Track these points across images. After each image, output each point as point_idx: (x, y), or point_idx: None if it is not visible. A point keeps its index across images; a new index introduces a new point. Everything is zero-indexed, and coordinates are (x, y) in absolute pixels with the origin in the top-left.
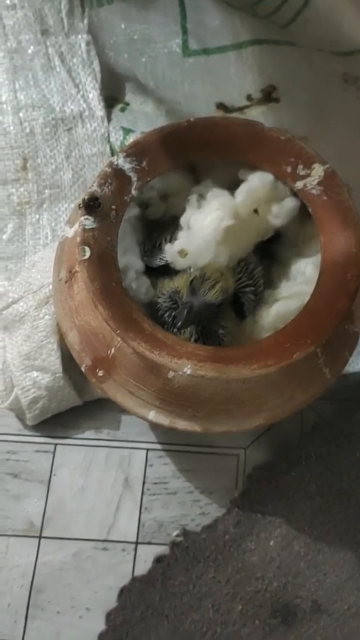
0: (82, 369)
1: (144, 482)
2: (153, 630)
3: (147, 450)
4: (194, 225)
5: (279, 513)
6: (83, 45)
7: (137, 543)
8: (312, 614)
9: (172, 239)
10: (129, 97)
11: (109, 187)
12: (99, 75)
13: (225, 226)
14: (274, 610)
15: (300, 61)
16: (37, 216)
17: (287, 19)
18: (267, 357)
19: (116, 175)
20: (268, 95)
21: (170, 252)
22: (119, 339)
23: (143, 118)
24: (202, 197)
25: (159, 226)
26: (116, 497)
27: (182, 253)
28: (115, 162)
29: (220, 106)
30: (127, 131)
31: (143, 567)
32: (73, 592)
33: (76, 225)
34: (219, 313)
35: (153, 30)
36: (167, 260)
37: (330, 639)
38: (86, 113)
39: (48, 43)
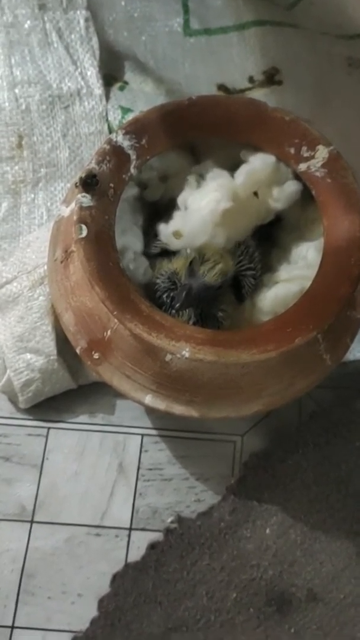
0: (77, 351)
1: (138, 468)
2: (146, 617)
3: (142, 435)
4: (191, 205)
5: (275, 501)
6: (82, 21)
7: (130, 529)
8: (307, 602)
9: (168, 219)
10: (128, 76)
11: (108, 165)
12: (97, 53)
13: (222, 209)
14: (269, 598)
15: (304, 44)
16: (32, 195)
17: (291, 1)
18: (267, 341)
19: (115, 153)
20: (271, 78)
21: (165, 232)
22: (116, 320)
23: (142, 97)
24: (201, 177)
25: (158, 209)
26: (110, 483)
27: (177, 234)
28: (114, 139)
29: (222, 87)
30: (125, 110)
31: (136, 553)
32: (65, 578)
33: (72, 204)
34: (218, 296)
35: (154, 8)
36: (163, 246)
37: (325, 628)
38: (84, 91)
39: (45, 18)
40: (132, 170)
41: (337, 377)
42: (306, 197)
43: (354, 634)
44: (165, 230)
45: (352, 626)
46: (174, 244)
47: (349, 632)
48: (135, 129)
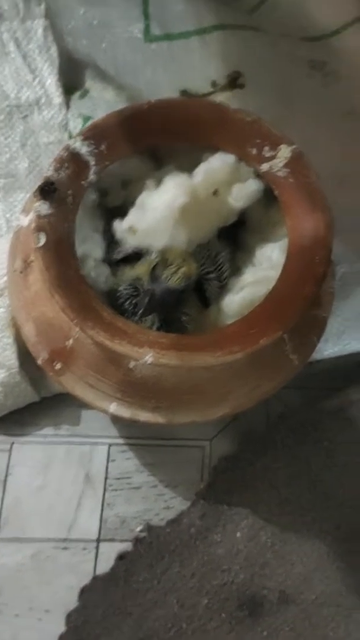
0: (39, 362)
1: (105, 478)
2: (116, 629)
3: (109, 445)
4: (149, 204)
5: (245, 504)
6: (40, 30)
7: (98, 541)
8: (279, 605)
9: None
10: (88, 83)
11: (66, 172)
12: (56, 61)
13: (179, 204)
14: (241, 602)
15: (266, 47)
16: None
17: (252, 5)
18: (232, 343)
19: (73, 160)
20: (233, 82)
21: (120, 229)
22: (77, 329)
23: (103, 105)
24: (160, 182)
25: (120, 215)
26: (77, 495)
27: (132, 230)
28: (72, 146)
29: (184, 93)
30: (86, 118)
31: (105, 565)
32: (31, 594)
33: (32, 214)
34: (182, 300)
35: (113, 14)
36: (125, 251)
37: (298, 629)
38: (43, 100)
39: (2, 28)
40: (92, 177)
41: (304, 377)
42: (270, 198)
43: (326, 633)
44: (119, 226)
45: (325, 626)
46: (130, 240)
47: (321, 633)
48: (94, 134)
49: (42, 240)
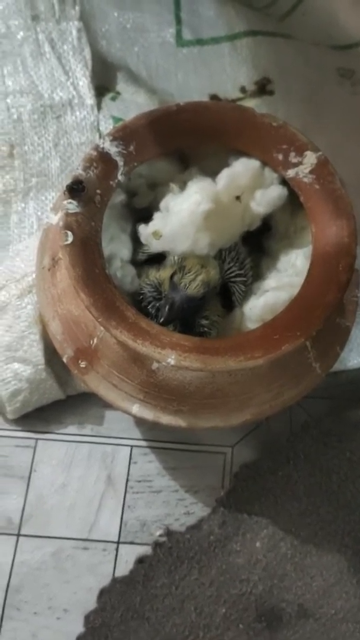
0: (64, 360)
1: (127, 480)
2: (133, 633)
3: (132, 447)
4: (172, 208)
5: (265, 513)
6: (74, 32)
7: (118, 543)
8: (297, 618)
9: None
10: (120, 86)
11: (94, 171)
12: (89, 63)
13: (203, 210)
14: (259, 614)
15: (295, 54)
16: (23, 205)
17: (283, 12)
18: (254, 348)
19: (102, 159)
20: (262, 88)
21: (144, 233)
22: (102, 328)
23: (134, 108)
24: (185, 184)
25: (147, 216)
26: (98, 495)
27: (156, 234)
28: (101, 146)
29: (214, 98)
30: (117, 120)
31: (124, 567)
32: (51, 593)
33: (60, 212)
34: (202, 305)
35: (146, 19)
36: (149, 252)
37: None
38: (75, 101)
39: (38, 29)
40: (120, 177)
41: (328, 387)
42: (295, 205)
43: None
44: (144, 230)
45: None
46: (154, 245)
47: None
48: (123, 135)
49: (69, 238)
